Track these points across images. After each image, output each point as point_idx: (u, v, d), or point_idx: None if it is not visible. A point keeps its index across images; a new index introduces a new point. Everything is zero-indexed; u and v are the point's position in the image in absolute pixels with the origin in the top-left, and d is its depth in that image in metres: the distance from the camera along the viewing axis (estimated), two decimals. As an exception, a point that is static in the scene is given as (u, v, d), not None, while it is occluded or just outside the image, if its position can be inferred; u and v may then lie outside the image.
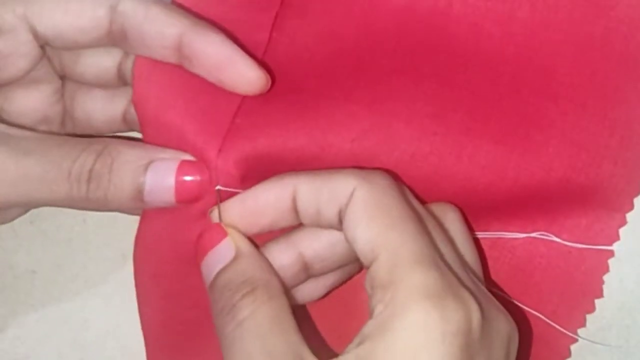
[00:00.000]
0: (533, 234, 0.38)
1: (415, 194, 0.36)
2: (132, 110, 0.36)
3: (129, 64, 0.37)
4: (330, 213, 0.34)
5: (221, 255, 0.35)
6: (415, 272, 0.31)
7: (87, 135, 0.39)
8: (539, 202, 0.37)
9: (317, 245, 0.36)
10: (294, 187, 0.34)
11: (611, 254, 0.38)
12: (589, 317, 0.38)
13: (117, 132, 0.39)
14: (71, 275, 0.42)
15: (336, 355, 0.31)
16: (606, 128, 0.37)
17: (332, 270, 0.37)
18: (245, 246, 0.35)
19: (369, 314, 0.32)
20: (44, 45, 0.36)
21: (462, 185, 0.36)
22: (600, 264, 0.38)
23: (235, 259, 0.34)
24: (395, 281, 0.31)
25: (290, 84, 0.37)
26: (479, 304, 0.32)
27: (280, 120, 0.35)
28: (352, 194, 0.33)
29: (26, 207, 0.39)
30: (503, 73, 0.37)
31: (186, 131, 0.35)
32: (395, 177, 0.35)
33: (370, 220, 0.32)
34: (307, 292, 0.37)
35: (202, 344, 0.39)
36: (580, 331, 0.38)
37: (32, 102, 0.38)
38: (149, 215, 0.37)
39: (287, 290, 0.35)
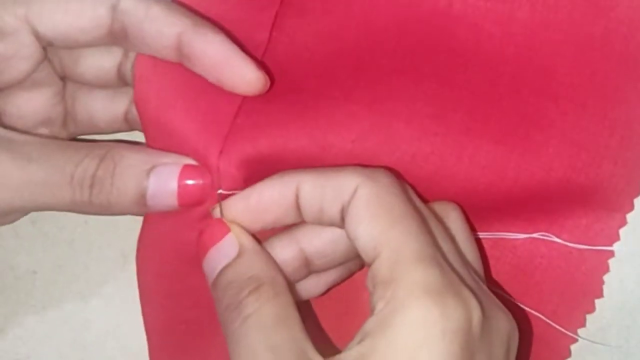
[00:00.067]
0: (534, 235, 0.38)
1: (417, 193, 0.36)
2: (134, 109, 0.37)
3: (128, 65, 0.37)
4: (332, 210, 0.34)
5: (224, 251, 0.34)
6: (416, 270, 0.31)
7: (89, 137, 0.39)
8: (539, 202, 0.37)
9: (318, 241, 0.35)
10: (297, 184, 0.34)
11: (611, 254, 0.38)
12: (589, 317, 0.38)
13: (119, 131, 0.39)
14: (72, 276, 0.42)
15: (339, 351, 0.31)
16: (606, 128, 0.37)
17: (333, 266, 0.37)
18: (249, 242, 0.35)
19: (370, 311, 0.32)
20: (46, 47, 0.36)
21: (462, 186, 0.36)
22: (600, 264, 0.38)
23: (239, 255, 0.34)
24: (397, 278, 0.31)
25: (291, 83, 0.37)
26: (480, 302, 0.32)
27: (280, 121, 0.35)
28: (354, 192, 0.33)
29: (29, 211, 0.38)
30: (503, 73, 0.37)
31: (187, 131, 0.35)
32: (397, 175, 0.35)
33: (372, 218, 0.32)
34: (309, 287, 0.37)
35: (203, 343, 0.39)
36: (580, 331, 0.38)
37: (34, 104, 0.38)
38: (152, 218, 0.37)
39: (291, 287, 0.35)
